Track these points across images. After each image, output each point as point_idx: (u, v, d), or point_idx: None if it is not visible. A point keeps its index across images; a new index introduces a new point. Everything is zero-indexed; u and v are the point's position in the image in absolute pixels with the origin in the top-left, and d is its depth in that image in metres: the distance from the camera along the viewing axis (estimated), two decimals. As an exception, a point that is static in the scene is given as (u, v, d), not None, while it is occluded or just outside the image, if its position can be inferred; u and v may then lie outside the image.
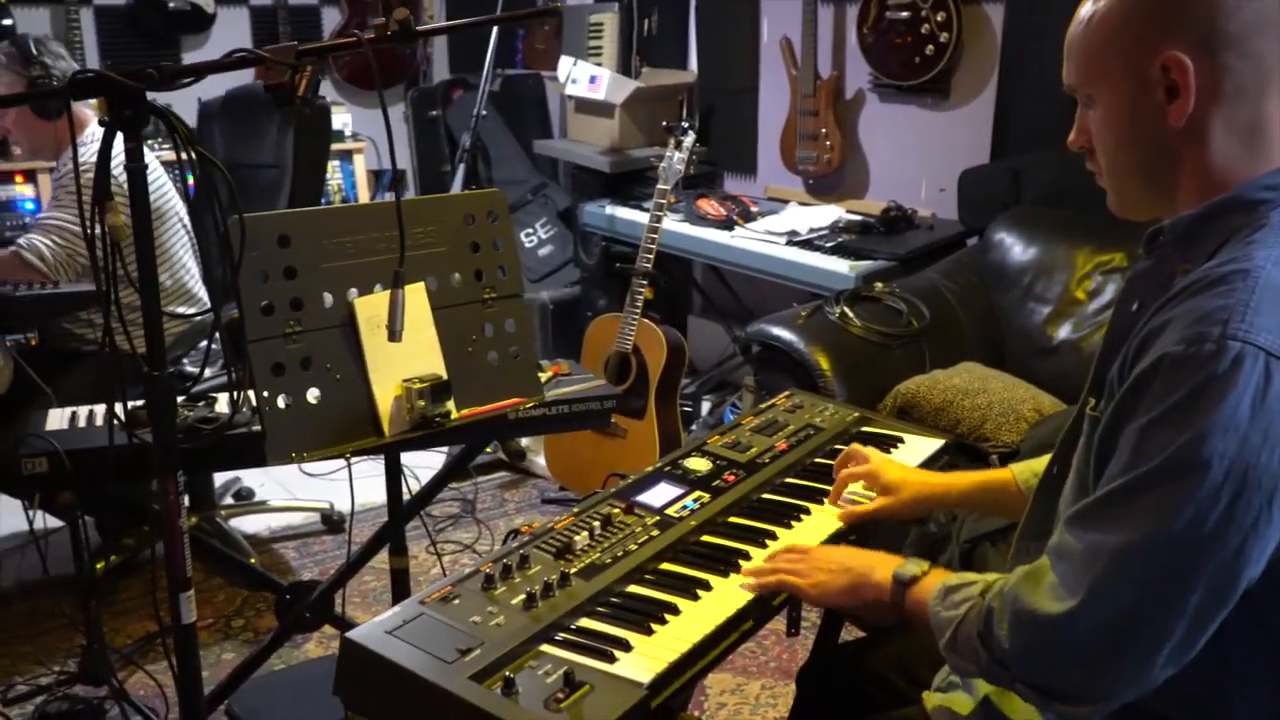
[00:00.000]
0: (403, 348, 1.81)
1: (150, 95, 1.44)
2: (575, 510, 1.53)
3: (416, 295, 1.87)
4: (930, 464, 1.78)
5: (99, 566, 2.91)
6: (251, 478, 3.66)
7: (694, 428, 3.93)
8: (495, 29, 3.77)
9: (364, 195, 4.94)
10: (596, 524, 1.47)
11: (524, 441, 3.82)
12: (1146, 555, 1.00)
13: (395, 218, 1.71)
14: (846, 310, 2.95)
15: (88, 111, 2.88)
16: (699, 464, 1.68)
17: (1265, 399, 0.97)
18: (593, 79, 4.16)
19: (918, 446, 1.83)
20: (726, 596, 1.37)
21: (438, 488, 2.55)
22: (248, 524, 3.42)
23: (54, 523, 2.43)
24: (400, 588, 2.16)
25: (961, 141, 3.52)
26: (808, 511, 1.59)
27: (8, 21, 4.29)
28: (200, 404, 2.02)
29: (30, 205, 4.10)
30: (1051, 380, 2.86)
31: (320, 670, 2.46)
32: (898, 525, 1.71)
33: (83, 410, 2.16)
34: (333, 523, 3.44)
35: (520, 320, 2.00)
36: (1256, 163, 1.10)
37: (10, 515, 2.64)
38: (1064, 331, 3.00)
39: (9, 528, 3.06)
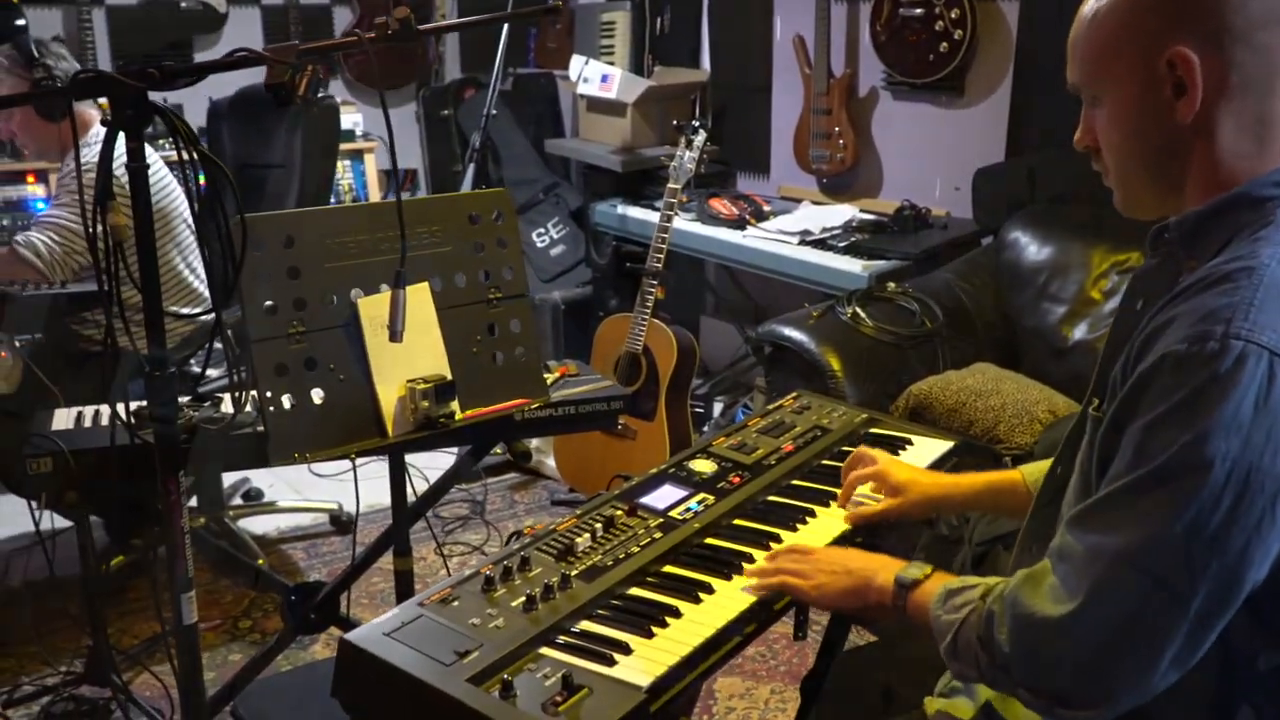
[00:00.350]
0: (407, 348, 1.81)
1: (160, 95, 1.45)
2: (578, 512, 1.53)
3: (420, 295, 1.87)
4: (939, 465, 1.77)
5: (104, 567, 2.93)
6: (260, 478, 3.67)
7: (706, 429, 3.92)
8: (505, 28, 3.77)
9: (375, 195, 4.95)
10: (599, 526, 1.47)
11: (534, 443, 3.82)
12: (1148, 557, 0.99)
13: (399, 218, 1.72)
14: (859, 310, 2.93)
15: (92, 112, 2.89)
16: (704, 466, 1.68)
17: (1269, 399, 0.96)
18: (604, 78, 4.16)
19: (927, 448, 1.82)
20: (729, 599, 1.36)
21: (443, 489, 2.55)
22: (256, 525, 3.44)
23: (62, 523, 2.44)
24: (405, 589, 2.16)
25: (976, 139, 3.51)
26: (813, 514, 1.59)
27: (20, 22, 4.32)
28: (206, 404, 2.03)
29: (41, 205, 4.12)
30: (1066, 381, 2.84)
31: (326, 672, 2.45)
32: (908, 526, 1.70)
33: (88, 410, 2.17)
34: (341, 524, 3.45)
35: (525, 320, 2.00)
36: (1265, 159, 1.09)
37: (18, 516, 2.66)
38: (1079, 332, 2.98)
39: (17, 528, 3.08)
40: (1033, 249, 3.14)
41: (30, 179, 4.18)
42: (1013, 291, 3.15)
